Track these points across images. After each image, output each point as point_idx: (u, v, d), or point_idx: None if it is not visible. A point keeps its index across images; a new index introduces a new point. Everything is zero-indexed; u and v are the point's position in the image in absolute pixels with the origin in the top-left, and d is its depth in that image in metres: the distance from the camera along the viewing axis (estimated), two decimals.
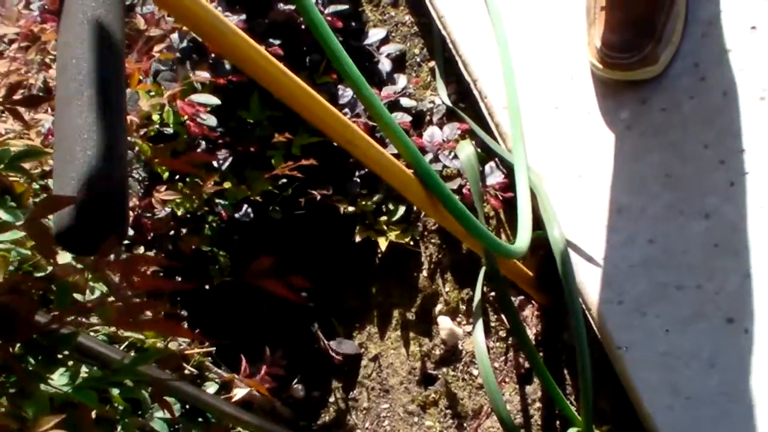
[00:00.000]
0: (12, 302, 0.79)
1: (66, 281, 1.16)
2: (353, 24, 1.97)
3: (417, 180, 1.25)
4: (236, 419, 1.30)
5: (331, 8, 1.86)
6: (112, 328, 1.32)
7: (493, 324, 1.78)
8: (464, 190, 1.75)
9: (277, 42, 1.75)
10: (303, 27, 1.83)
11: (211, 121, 1.68)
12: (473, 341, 1.59)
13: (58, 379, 0.89)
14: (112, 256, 1.01)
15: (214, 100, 1.66)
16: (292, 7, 1.77)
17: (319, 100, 1.10)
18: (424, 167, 1.23)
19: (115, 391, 1.21)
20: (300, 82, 1.07)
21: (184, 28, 1.75)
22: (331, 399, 1.94)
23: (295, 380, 1.95)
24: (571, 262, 1.49)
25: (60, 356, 0.89)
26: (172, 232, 1.87)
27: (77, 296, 1.27)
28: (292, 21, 1.81)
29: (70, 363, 0.94)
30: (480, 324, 1.56)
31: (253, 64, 1.00)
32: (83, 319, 1.19)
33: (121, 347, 1.37)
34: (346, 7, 1.90)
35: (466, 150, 1.53)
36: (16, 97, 1.00)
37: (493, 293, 1.80)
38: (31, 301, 0.82)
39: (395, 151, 1.29)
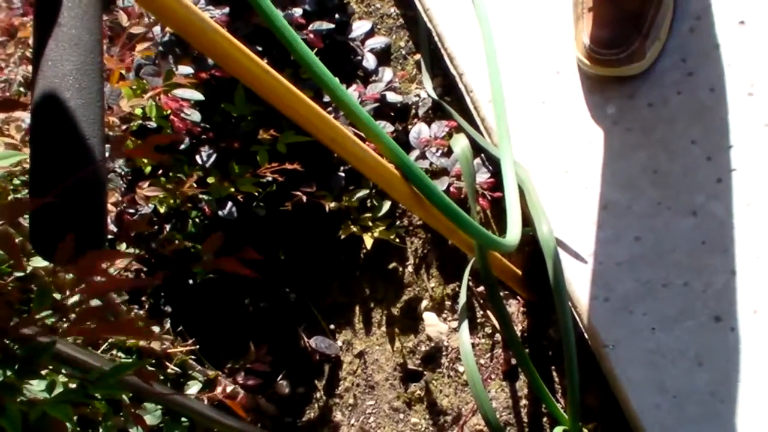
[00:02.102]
0: None
1: (45, 282, 1.14)
2: (337, 16, 1.94)
3: (400, 177, 1.24)
4: (218, 423, 1.28)
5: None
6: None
7: (479, 320, 1.77)
8: (452, 188, 1.73)
9: (260, 48, 1.72)
10: None
11: (195, 116, 1.66)
12: (459, 339, 1.57)
13: (36, 390, 0.87)
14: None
15: (198, 95, 1.64)
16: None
17: (302, 99, 1.08)
18: (406, 163, 1.22)
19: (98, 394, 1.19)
20: (283, 81, 1.05)
21: None
22: (317, 395, 1.93)
23: (280, 376, 1.94)
24: (560, 259, 1.48)
25: (37, 366, 0.87)
26: (156, 228, 1.85)
27: (59, 297, 1.26)
28: None
29: (47, 372, 0.92)
30: (465, 322, 1.55)
31: (233, 62, 0.98)
32: (65, 323, 1.18)
33: (103, 347, 1.35)
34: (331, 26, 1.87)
35: (461, 143, 1.51)
36: None
37: (479, 289, 1.78)
38: (6, 306, 0.80)
39: None
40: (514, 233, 1.43)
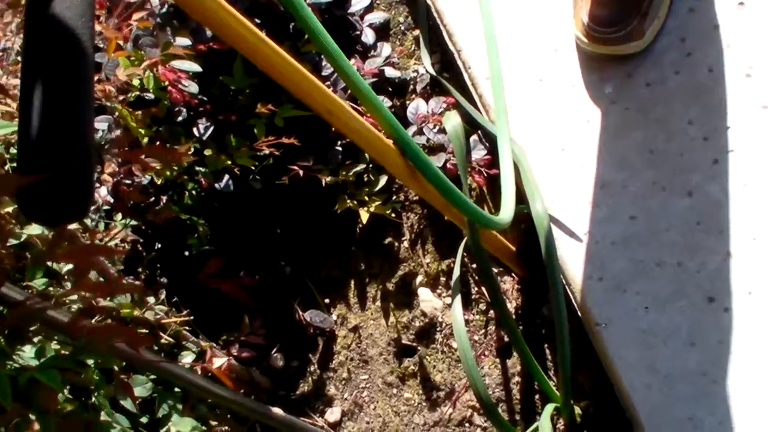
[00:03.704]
0: None
1: (39, 249, 1.14)
2: None
3: (397, 151, 1.24)
4: (210, 392, 1.29)
5: None
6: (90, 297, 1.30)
7: (474, 296, 1.78)
8: (449, 165, 1.73)
9: (258, 21, 1.72)
10: None
11: (193, 87, 1.66)
12: (452, 315, 1.58)
13: (26, 357, 0.88)
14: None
15: (196, 67, 1.63)
16: None
17: (299, 69, 1.08)
18: (403, 137, 1.22)
19: (90, 362, 1.20)
20: (280, 51, 1.05)
21: None
22: (311, 369, 1.94)
23: (274, 350, 1.94)
24: (553, 237, 1.48)
25: (27, 332, 0.88)
26: (152, 199, 1.85)
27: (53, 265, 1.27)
28: None
29: (38, 339, 0.93)
30: (458, 298, 1.55)
31: (231, 32, 0.98)
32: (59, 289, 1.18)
33: (96, 317, 1.35)
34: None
35: (453, 121, 1.51)
36: None
37: (474, 265, 1.79)
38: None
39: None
40: (507, 211, 1.43)
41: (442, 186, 1.25)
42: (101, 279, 1.35)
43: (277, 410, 1.43)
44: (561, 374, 1.47)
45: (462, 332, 1.50)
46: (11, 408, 0.82)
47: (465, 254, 1.73)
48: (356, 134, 1.20)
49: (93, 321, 1.31)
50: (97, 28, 1.39)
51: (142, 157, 1.35)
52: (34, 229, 1.18)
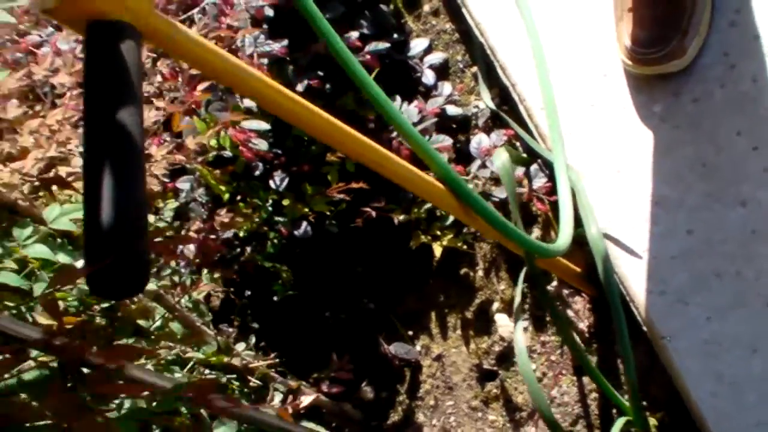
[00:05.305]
0: (64, 346, 0.89)
1: (128, 311, 1.27)
2: (396, 36, 2.04)
3: (449, 192, 1.31)
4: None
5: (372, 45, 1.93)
6: (179, 349, 1.42)
7: (548, 318, 1.84)
8: None
9: (321, 73, 1.83)
10: None
11: (263, 145, 1.77)
12: (514, 340, 1.65)
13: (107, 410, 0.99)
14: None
15: (264, 125, 1.75)
16: None
17: (344, 129, 1.15)
18: (453, 178, 1.29)
19: (183, 409, 1.31)
20: (324, 115, 1.12)
21: None
22: (399, 399, 2.03)
23: (364, 383, 2.04)
24: (609, 258, 1.54)
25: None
26: (238, 250, 1.98)
27: (142, 323, 1.39)
28: None
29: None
30: (520, 326, 1.63)
31: (276, 105, 1.06)
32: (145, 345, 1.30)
33: (188, 366, 1.47)
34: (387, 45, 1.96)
35: (502, 157, 1.59)
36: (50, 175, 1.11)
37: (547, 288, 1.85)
38: (81, 344, 0.92)
39: None
40: (563, 238, 1.50)
41: (495, 222, 1.33)
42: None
43: None
44: (629, 388, 1.53)
45: (524, 357, 1.57)
46: None
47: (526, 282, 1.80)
48: (407, 182, 1.26)
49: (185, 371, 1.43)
50: (161, 104, 1.52)
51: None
52: None
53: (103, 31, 0.77)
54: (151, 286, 1.38)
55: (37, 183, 1.12)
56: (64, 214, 1.06)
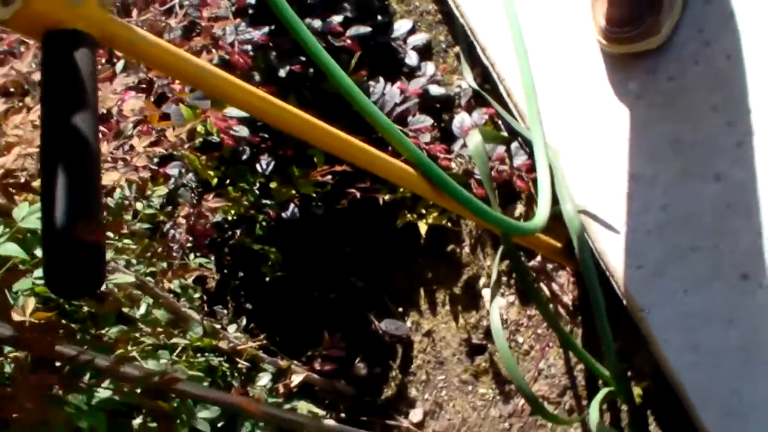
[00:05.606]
0: (34, 341, 0.93)
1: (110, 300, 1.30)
2: (380, 18, 2.06)
3: (423, 178, 1.34)
4: (280, 419, 1.42)
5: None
6: (164, 336, 1.46)
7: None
8: (494, 173, 1.82)
9: (303, 58, 1.85)
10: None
11: (243, 131, 1.80)
12: (489, 318, 1.68)
13: (77, 402, 1.03)
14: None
15: (243, 113, 1.77)
16: (317, 24, 1.87)
17: (311, 122, 1.18)
18: (424, 164, 1.32)
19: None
20: (298, 113, 1.15)
21: None
22: (392, 374, 2.07)
23: (357, 359, 2.08)
24: (585, 235, 1.57)
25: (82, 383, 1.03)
26: (229, 233, 2.01)
27: (126, 310, 1.43)
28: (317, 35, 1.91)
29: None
30: (496, 303, 1.67)
31: (238, 100, 1.08)
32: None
33: (178, 350, 1.51)
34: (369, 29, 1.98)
35: (475, 139, 1.62)
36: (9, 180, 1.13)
37: (532, 263, 1.88)
38: (52, 339, 0.95)
39: None
40: (541, 216, 1.53)
41: (468, 204, 1.36)
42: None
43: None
44: (606, 360, 1.57)
45: (500, 334, 1.61)
46: None
47: (522, 253, 1.82)
48: (382, 171, 1.30)
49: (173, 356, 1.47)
50: (140, 103, 1.55)
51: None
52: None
53: (58, 40, 0.80)
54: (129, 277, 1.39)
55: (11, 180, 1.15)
56: (33, 213, 1.09)
